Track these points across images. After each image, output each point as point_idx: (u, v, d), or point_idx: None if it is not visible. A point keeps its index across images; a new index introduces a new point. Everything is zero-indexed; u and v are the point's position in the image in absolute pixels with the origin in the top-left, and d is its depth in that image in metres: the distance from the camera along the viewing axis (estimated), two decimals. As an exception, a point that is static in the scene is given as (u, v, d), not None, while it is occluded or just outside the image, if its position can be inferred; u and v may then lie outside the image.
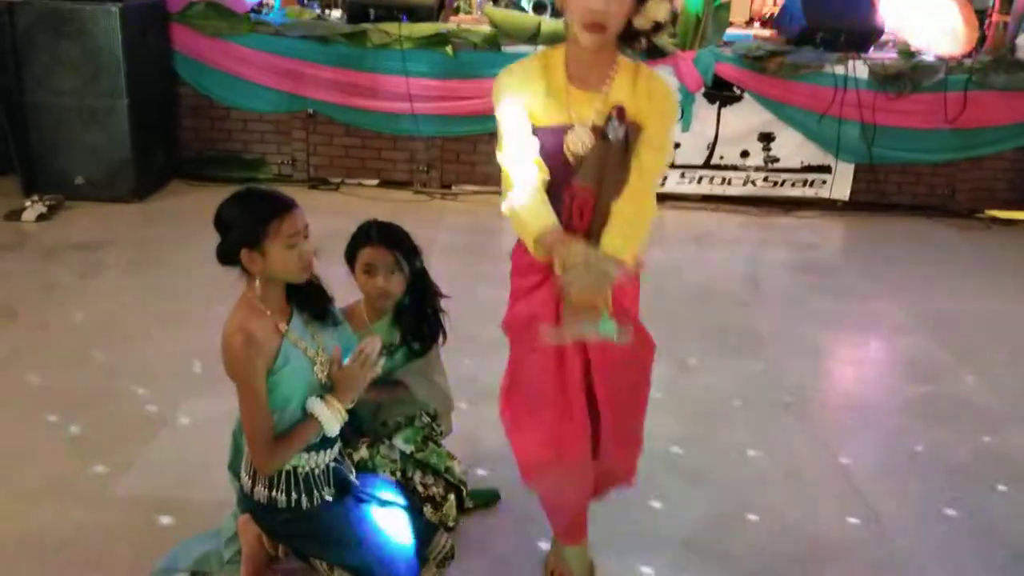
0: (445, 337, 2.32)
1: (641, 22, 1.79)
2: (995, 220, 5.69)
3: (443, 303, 2.31)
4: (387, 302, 2.22)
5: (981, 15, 5.89)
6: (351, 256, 2.22)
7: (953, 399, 3.32)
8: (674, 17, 5.40)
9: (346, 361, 1.91)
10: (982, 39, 5.80)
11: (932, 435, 3.04)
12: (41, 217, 4.73)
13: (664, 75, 5.28)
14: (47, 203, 4.81)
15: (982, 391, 3.39)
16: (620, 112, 1.83)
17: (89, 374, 3.17)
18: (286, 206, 1.81)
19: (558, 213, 1.87)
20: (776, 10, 6.57)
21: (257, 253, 1.78)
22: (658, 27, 1.82)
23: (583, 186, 1.86)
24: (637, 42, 1.85)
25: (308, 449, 1.89)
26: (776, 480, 2.73)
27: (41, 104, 4.91)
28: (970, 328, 4.00)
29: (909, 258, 4.93)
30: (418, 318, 2.24)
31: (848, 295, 4.34)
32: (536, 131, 1.88)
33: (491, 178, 5.58)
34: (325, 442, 1.92)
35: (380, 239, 2.19)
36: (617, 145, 1.83)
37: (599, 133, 1.83)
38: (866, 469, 2.82)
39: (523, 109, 1.88)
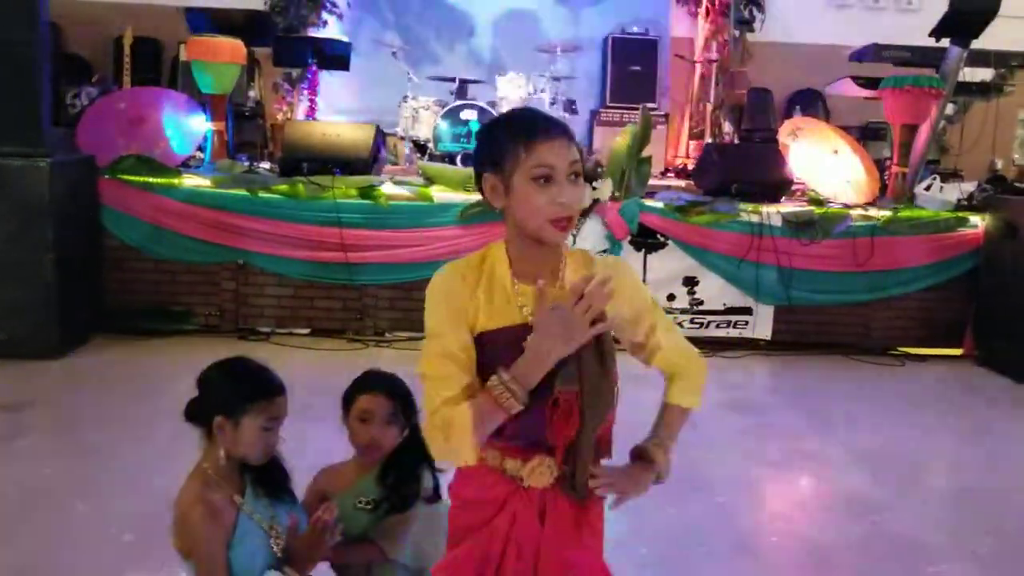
0: (439, 496, 2.22)
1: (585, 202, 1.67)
2: (908, 356, 5.93)
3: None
4: (377, 454, 2.16)
5: (879, 164, 6.36)
6: (347, 403, 2.16)
7: (895, 535, 3.36)
8: (598, 173, 5.65)
9: (303, 530, 1.86)
10: (883, 188, 6.24)
11: (879, 568, 3.05)
12: (-45, 375, 4.52)
13: (593, 223, 5.57)
14: (-37, 360, 4.60)
15: (919, 525, 3.45)
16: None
17: (12, 552, 2.94)
18: (277, 390, 1.80)
19: (535, 430, 1.55)
20: (689, 162, 6.98)
21: (231, 424, 1.75)
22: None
23: (566, 390, 1.56)
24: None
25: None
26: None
27: (-38, 258, 4.78)
28: (898, 462, 4.10)
29: (832, 395, 5.08)
30: (402, 475, 2.17)
31: (781, 434, 4.42)
32: (484, 337, 1.59)
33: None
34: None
35: (379, 388, 2.15)
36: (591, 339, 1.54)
37: None
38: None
39: (459, 315, 1.60)
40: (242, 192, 5.39)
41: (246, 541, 1.75)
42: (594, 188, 5.38)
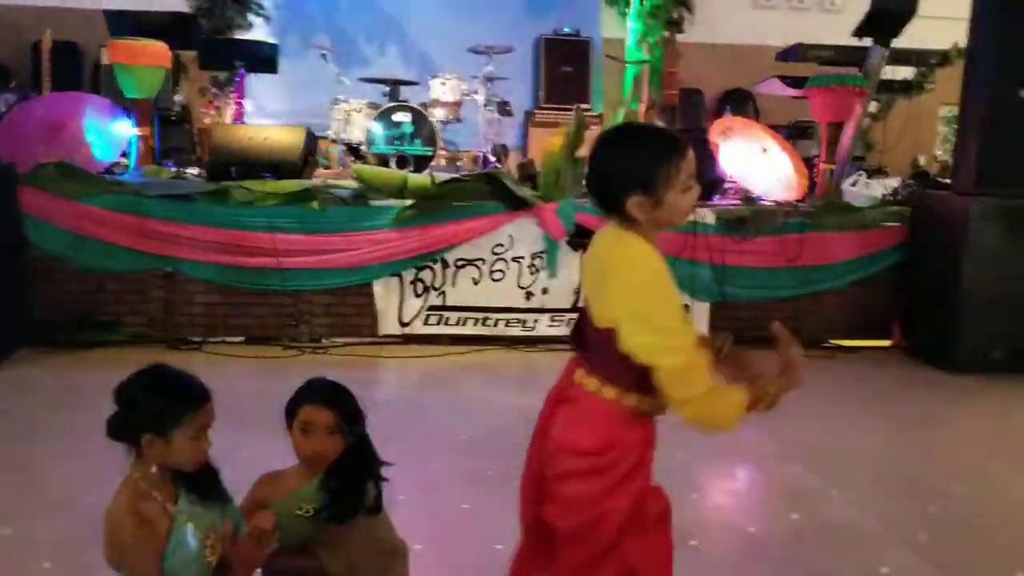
0: (379, 508, 2.16)
1: None
2: (839, 348, 6.06)
3: (385, 471, 2.17)
4: (321, 464, 2.10)
5: (808, 162, 6.49)
6: (290, 413, 2.09)
7: (831, 525, 3.41)
8: (532, 172, 5.65)
9: (241, 537, 1.80)
10: (812, 185, 6.37)
11: (814, 557, 3.10)
12: None
13: (529, 225, 5.57)
14: None
15: (854, 514, 3.51)
16: None
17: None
18: (203, 397, 1.74)
19: None
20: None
21: (161, 441, 1.68)
22: None
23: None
24: None
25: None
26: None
27: None
28: (832, 453, 4.17)
29: (770, 389, 5.16)
30: (345, 485, 2.11)
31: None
32: None
33: (361, 330, 5.54)
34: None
35: (322, 398, 2.08)
36: None
37: None
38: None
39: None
40: (169, 198, 5.25)
41: (181, 550, 1.70)
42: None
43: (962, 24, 5.66)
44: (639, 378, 1.78)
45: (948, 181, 6.07)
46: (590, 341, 1.88)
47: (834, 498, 3.64)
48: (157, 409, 1.70)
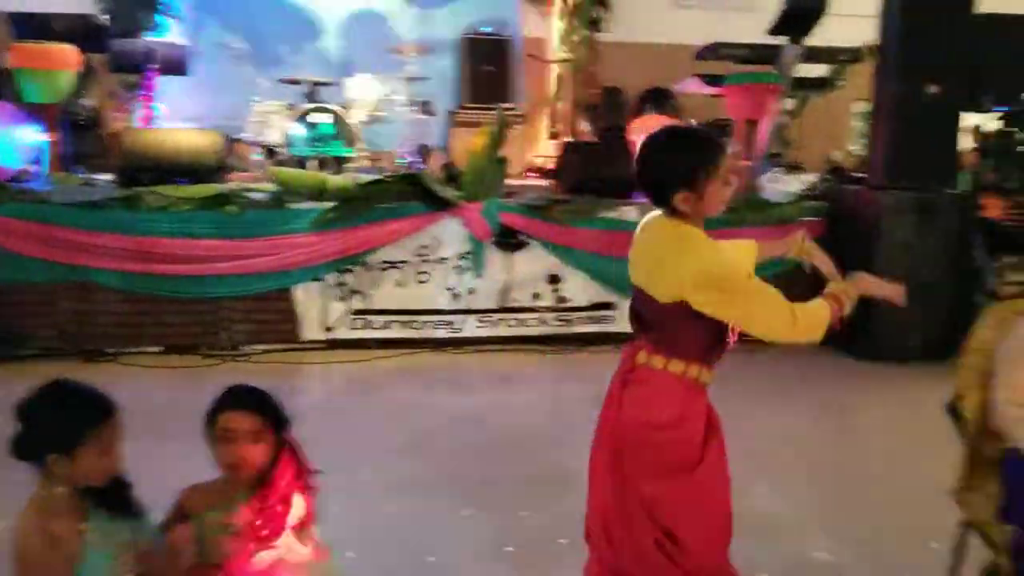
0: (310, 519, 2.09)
1: None
2: (760, 341, 6.15)
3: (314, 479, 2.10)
4: (244, 474, 1.98)
5: (726, 160, 6.58)
6: (209, 422, 1.98)
7: (752, 514, 3.43)
8: (456, 172, 5.59)
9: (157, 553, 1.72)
10: (731, 181, 6.46)
11: (740, 547, 3.12)
12: None
13: (454, 225, 5.53)
14: None
15: (775, 503, 3.56)
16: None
17: None
18: (107, 411, 1.66)
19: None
20: (547, 163, 7.05)
21: (66, 459, 1.60)
22: None
23: None
24: None
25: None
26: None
27: None
28: (752, 442, 4.21)
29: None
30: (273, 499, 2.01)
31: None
32: None
33: (283, 336, 5.42)
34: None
35: (242, 404, 1.99)
36: None
37: None
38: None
39: None
40: (79, 205, 5.05)
41: (93, 568, 1.62)
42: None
43: (873, 21, 5.81)
44: (702, 350, 2.06)
45: (862, 175, 6.23)
46: (653, 321, 2.08)
47: (756, 487, 3.67)
48: (58, 426, 1.61)
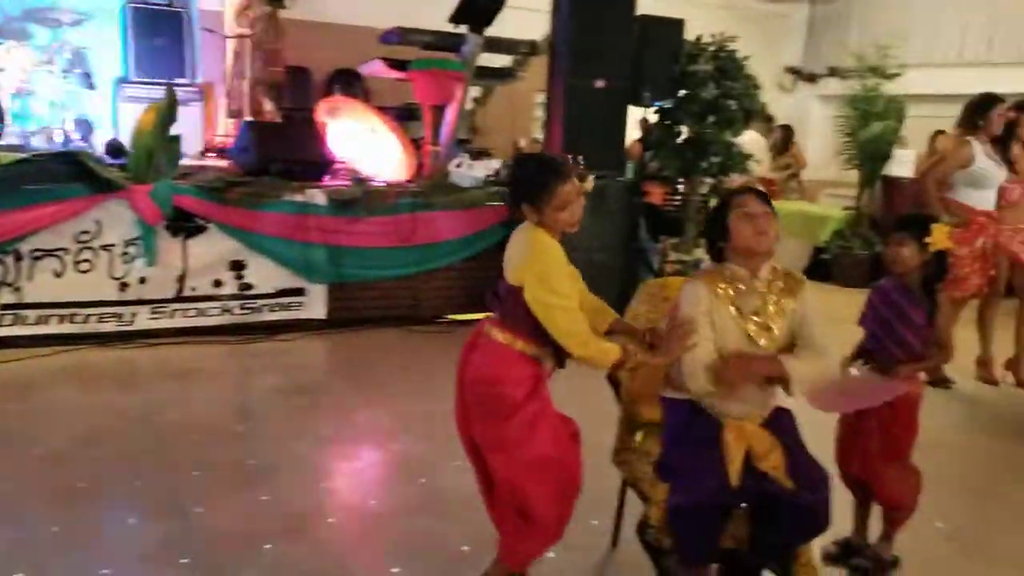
0: None
1: None
2: (455, 323, 6.30)
3: None
4: None
5: (417, 143, 6.63)
6: None
7: (447, 491, 3.50)
8: (122, 151, 5.08)
9: None
10: (421, 166, 6.51)
11: (441, 526, 3.16)
12: None
13: (120, 209, 5.05)
14: None
15: (468, 479, 3.63)
16: None
17: None
18: None
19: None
20: (227, 143, 6.67)
21: None
22: None
23: None
24: None
25: None
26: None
27: None
28: (450, 423, 4.29)
29: (388, 367, 5.20)
30: None
31: (339, 411, 4.40)
32: None
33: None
34: None
35: None
36: None
37: None
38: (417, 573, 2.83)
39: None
40: None
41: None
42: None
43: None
44: (529, 328, 2.36)
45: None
46: (503, 298, 2.43)
47: (447, 466, 3.72)
48: None
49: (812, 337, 2.40)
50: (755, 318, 2.37)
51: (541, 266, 2.33)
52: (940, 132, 9.27)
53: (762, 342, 2.37)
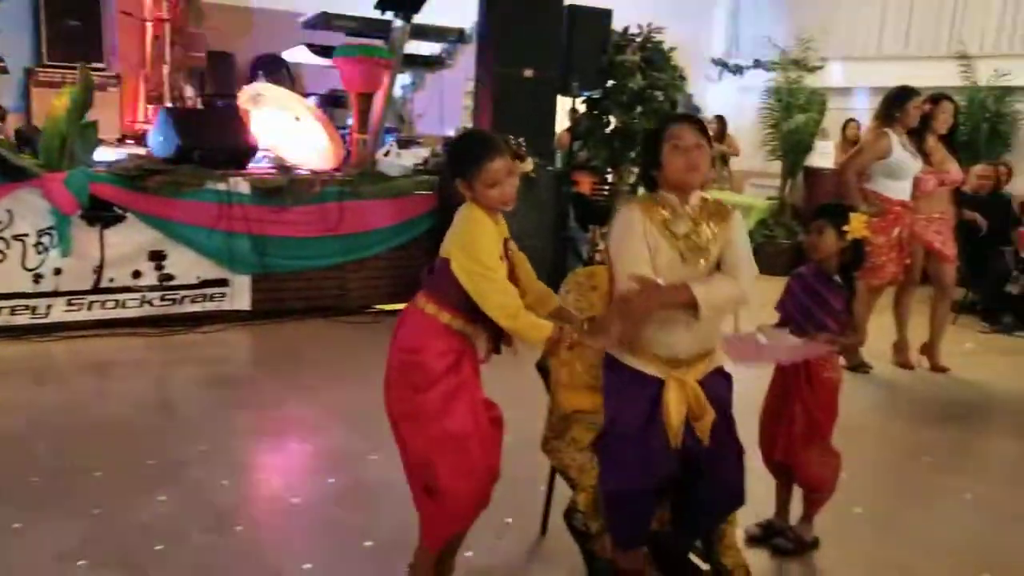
0: None
1: None
2: (383, 312, 6.24)
3: None
4: None
5: (344, 131, 6.53)
6: None
7: (373, 481, 3.46)
8: (33, 138, 4.89)
9: None
10: (348, 154, 6.42)
11: (359, 519, 3.12)
12: None
13: (32, 198, 4.87)
14: None
15: (393, 472, 3.59)
16: None
17: None
18: None
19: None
20: (145, 129, 6.48)
21: None
22: None
23: None
24: None
25: None
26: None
27: None
28: (378, 413, 4.24)
29: (314, 358, 5.13)
30: None
31: (262, 404, 4.32)
32: None
33: None
34: None
35: None
36: None
37: None
38: (329, 570, 2.78)
39: None
40: None
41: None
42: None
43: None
44: (456, 301, 2.34)
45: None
46: (435, 271, 2.42)
47: (373, 459, 3.69)
48: None
49: (739, 261, 2.43)
50: (688, 239, 2.40)
51: (468, 236, 2.34)
52: (851, 121, 9.57)
53: (701, 263, 2.39)
